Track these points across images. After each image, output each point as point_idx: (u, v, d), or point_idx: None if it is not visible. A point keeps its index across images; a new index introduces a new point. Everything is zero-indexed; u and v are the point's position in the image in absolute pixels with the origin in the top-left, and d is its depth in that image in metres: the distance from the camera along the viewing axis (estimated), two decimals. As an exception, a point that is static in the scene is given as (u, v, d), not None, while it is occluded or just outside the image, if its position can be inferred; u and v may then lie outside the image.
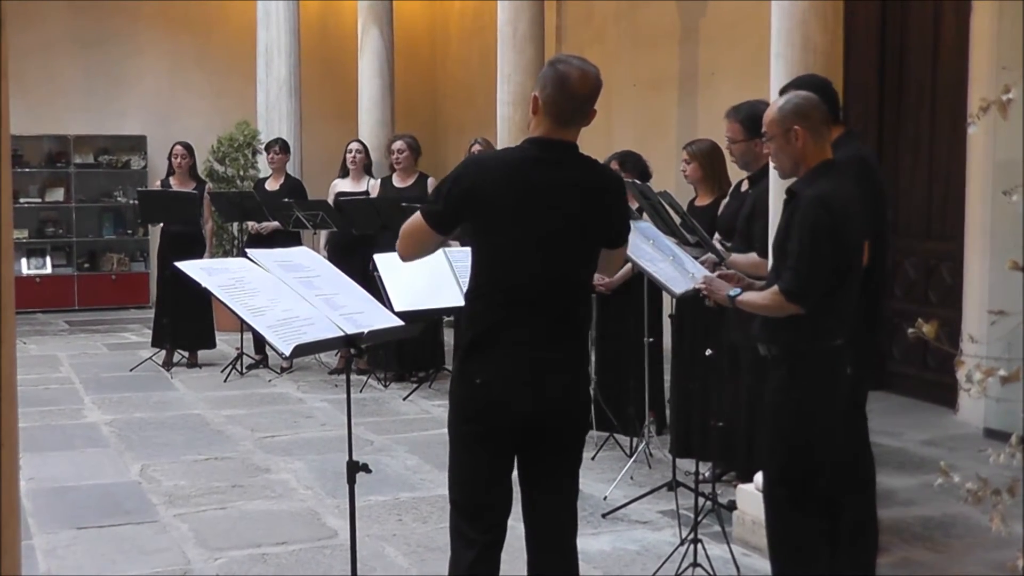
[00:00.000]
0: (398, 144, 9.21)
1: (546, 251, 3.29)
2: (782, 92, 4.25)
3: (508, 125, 8.09)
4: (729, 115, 5.46)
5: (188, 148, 9.73)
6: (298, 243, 9.02)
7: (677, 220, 5.54)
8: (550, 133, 3.34)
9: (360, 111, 11.32)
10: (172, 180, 9.70)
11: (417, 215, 3.40)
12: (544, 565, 3.44)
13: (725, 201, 6.12)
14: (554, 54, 10.63)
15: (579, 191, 3.33)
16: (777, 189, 4.77)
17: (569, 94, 3.31)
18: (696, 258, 5.06)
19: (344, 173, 9.62)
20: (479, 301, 3.35)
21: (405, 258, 3.52)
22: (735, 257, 5.22)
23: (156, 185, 10.03)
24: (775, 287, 3.77)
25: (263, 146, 10.72)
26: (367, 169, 9.67)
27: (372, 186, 9.49)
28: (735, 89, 7.42)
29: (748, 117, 5.20)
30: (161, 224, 9.74)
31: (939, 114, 7.10)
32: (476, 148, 8.46)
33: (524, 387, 3.27)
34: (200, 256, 9.09)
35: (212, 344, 9.77)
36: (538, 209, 3.28)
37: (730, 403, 5.68)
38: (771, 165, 4.59)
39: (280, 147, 9.95)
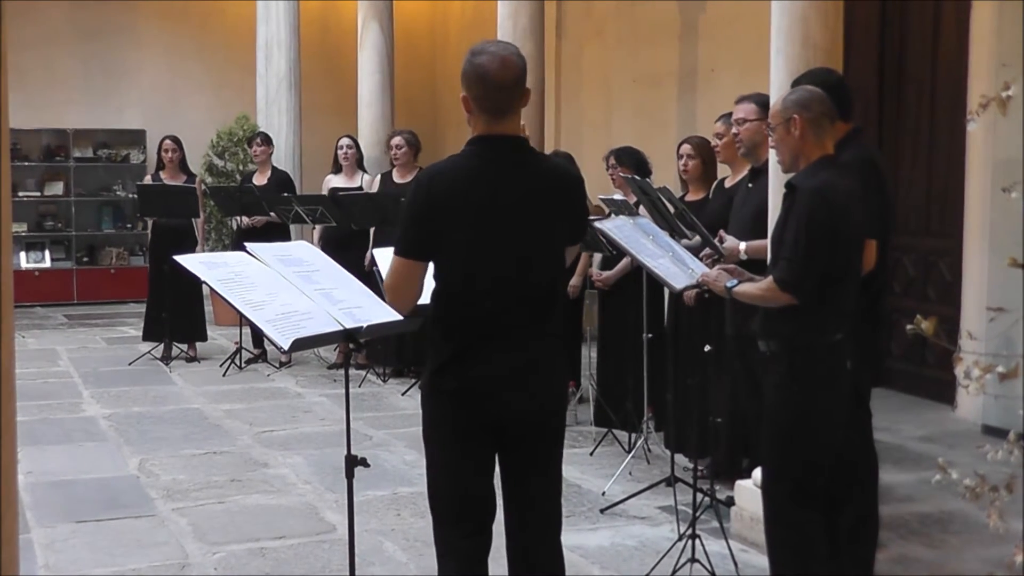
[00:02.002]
0: (396, 140, 9.21)
1: (510, 254, 3.24)
2: (795, 84, 4.27)
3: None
4: (742, 99, 5.44)
5: (177, 141, 9.73)
6: (288, 238, 9.02)
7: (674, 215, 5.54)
8: (489, 129, 3.27)
9: (360, 106, 11.31)
10: (163, 174, 9.69)
11: (394, 260, 3.32)
12: (530, 563, 3.39)
13: (711, 197, 6.15)
14: (549, 49, 10.65)
15: (536, 189, 3.27)
16: (776, 183, 4.77)
17: (495, 86, 3.22)
18: (689, 250, 5.05)
19: (336, 169, 9.62)
20: (448, 319, 3.28)
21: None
22: (758, 243, 5.16)
23: (147, 180, 10.03)
24: (770, 277, 3.79)
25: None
26: (359, 164, 9.68)
27: (367, 181, 9.50)
28: (735, 85, 7.41)
29: (764, 101, 5.18)
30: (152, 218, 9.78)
31: (939, 111, 7.10)
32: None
33: (498, 391, 3.24)
34: (191, 249, 9.11)
35: (204, 336, 9.79)
36: (497, 213, 3.22)
37: (729, 399, 5.69)
38: (770, 158, 4.59)
39: (262, 139, 9.94)
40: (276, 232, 9.13)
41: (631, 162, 7.01)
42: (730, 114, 5.81)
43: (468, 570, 3.34)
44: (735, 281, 3.98)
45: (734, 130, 5.52)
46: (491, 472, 3.38)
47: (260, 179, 9.81)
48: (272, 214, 9.32)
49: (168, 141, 9.72)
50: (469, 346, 3.25)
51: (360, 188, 9.33)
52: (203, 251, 9.46)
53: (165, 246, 8.98)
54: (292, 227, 9.65)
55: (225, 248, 10.80)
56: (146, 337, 9.79)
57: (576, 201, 3.43)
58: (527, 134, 3.66)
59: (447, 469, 3.35)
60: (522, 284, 3.26)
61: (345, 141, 9.66)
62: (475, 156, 3.29)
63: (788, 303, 3.73)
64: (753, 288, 3.88)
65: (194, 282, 3.58)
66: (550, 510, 3.42)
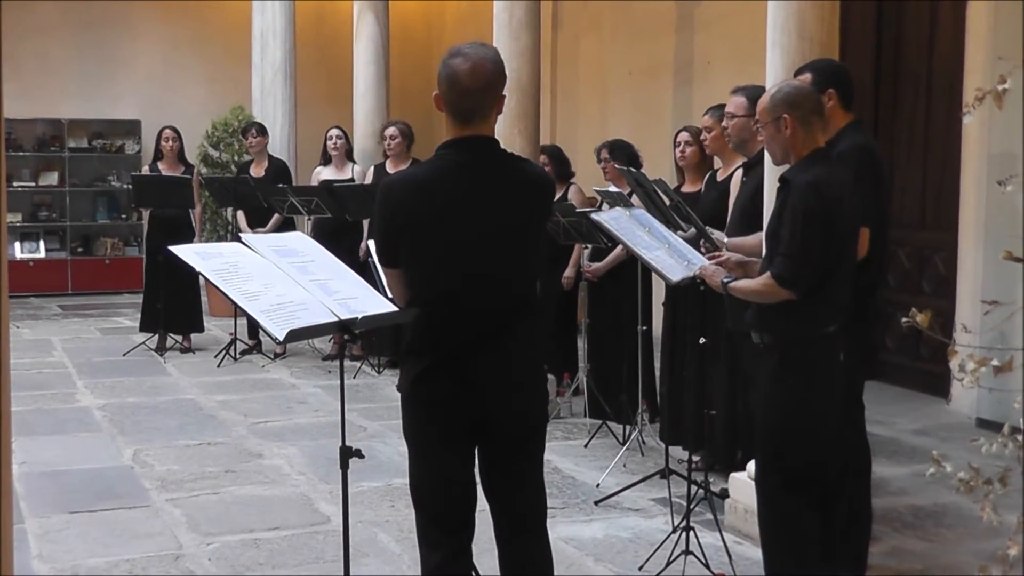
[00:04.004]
0: (391, 130, 9.20)
1: (481, 260, 3.22)
2: (797, 73, 4.27)
3: (504, 112, 8.07)
4: (735, 91, 5.42)
5: (176, 132, 9.71)
6: (292, 229, 9.01)
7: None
8: (459, 132, 3.24)
9: (355, 97, 11.27)
10: (160, 165, 9.67)
11: (381, 267, 3.41)
12: (517, 561, 3.40)
13: (703, 190, 6.14)
14: (545, 41, 10.63)
15: (507, 193, 3.24)
16: (771, 178, 4.77)
17: (462, 91, 3.18)
18: (686, 240, 5.04)
19: (326, 161, 9.59)
20: (424, 328, 3.26)
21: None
22: (739, 240, 5.16)
23: (145, 170, 9.99)
24: (767, 273, 3.79)
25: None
26: (349, 155, 9.65)
27: (357, 172, 9.47)
28: (731, 78, 7.39)
29: (754, 96, 5.15)
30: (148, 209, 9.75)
31: (935, 104, 7.11)
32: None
33: (476, 399, 3.23)
34: (189, 240, 9.09)
35: (201, 328, 9.78)
36: (463, 220, 3.19)
37: (724, 391, 5.69)
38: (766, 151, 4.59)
39: (257, 130, 9.86)
40: (283, 229, 9.08)
41: (623, 155, 7.01)
42: (718, 107, 5.79)
43: (451, 562, 3.36)
44: (731, 277, 3.99)
45: (724, 123, 5.48)
46: (471, 468, 3.39)
47: (257, 170, 9.75)
48: (277, 215, 9.27)
49: (168, 131, 9.70)
50: (446, 355, 3.24)
51: (351, 180, 9.30)
52: (199, 242, 9.44)
53: (161, 237, 8.95)
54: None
55: (221, 239, 10.77)
56: (143, 328, 9.77)
57: (547, 205, 3.41)
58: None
59: (427, 468, 3.37)
60: (495, 289, 3.24)
61: (335, 132, 9.61)
62: (437, 163, 3.26)
63: (786, 299, 3.73)
64: (750, 284, 3.88)
65: (190, 273, 3.57)
66: (534, 507, 3.43)
